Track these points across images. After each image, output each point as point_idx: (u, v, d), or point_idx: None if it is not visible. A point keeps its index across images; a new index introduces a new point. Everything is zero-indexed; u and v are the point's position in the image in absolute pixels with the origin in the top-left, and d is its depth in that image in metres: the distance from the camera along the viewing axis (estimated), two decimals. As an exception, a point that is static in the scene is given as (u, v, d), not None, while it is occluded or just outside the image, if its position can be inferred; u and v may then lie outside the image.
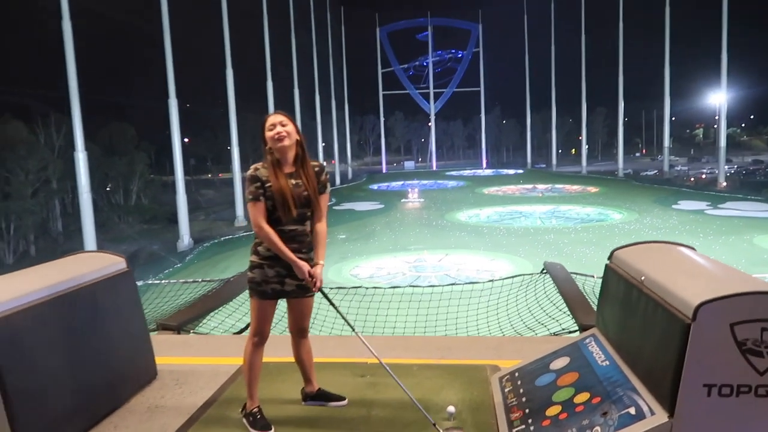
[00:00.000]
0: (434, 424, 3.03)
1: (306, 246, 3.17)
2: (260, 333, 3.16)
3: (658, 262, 2.98)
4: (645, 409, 2.48)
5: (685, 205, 32.63)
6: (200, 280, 6.99)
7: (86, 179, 26.41)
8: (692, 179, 45.48)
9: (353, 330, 3.27)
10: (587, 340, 3.42)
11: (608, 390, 2.79)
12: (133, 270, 3.96)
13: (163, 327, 5.19)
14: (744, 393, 2.29)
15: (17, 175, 32.44)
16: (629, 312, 2.94)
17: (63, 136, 34.37)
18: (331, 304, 3.32)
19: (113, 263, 3.86)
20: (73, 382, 3.22)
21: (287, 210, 3.02)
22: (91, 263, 3.76)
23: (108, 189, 40.02)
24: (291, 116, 3.10)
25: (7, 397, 2.78)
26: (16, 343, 2.91)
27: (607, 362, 3.05)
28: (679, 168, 54.34)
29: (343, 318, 3.33)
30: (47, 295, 3.22)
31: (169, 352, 4.55)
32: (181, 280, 7.26)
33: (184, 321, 5.32)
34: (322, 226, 3.21)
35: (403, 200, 36.84)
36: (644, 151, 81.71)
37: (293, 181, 3.08)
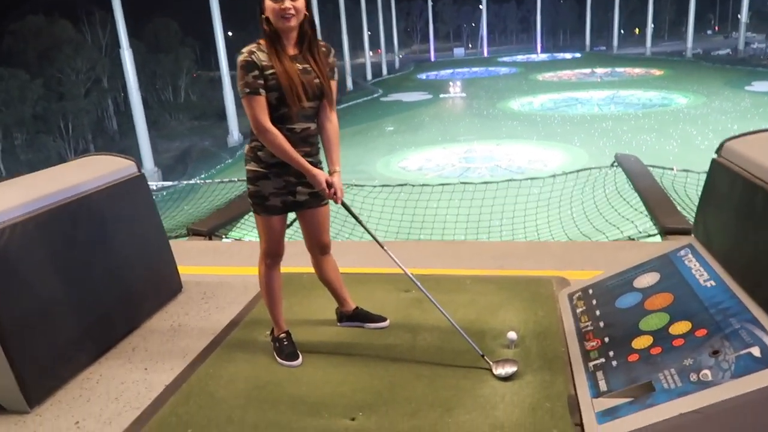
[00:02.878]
0: (483, 356, 2.54)
1: (316, 148, 2.59)
2: (274, 253, 2.66)
3: (796, 156, 2.26)
4: (776, 351, 1.89)
5: (760, 86, 30.21)
6: (236, 180, 6.56)
7: (134, 77, 26.36)
8: (770, 58, 41.55)
9: (380, 245, 2.72)
10: (682, 252, 2.78)
11: (717, 320, 2.19)
12: (144, 174, 3.50)
13: (193, 233, 4.83)
14: None
15: (68, 75, 32.69)
16: (750, 221, 2.26)
17: (108, 34, 34.13)
18: (355, 217, 2.77)
19: (123, 167, 3.39)
20: (81, 304, 2.86)
21: (297, 102, 2.41)
22: (96, 168, 3.30)
23: (157, 87, 40.07)
24: None
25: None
26: (7, 264, 2.52)
27: (713, 282, 2.43)
28: (755, 46, 49.50)
29: (368, 232, 2.79)
30: (44, 206, 2.79)
31: (198, 261, 4.19)
32: (217, 180, 6.86)
33: (215, 226, 4.93)
34: (334, 122, 2.59)
35: (442, 95, 35.28)
36: (717, 28, 74.78)
37: (299, 66, 2.43)
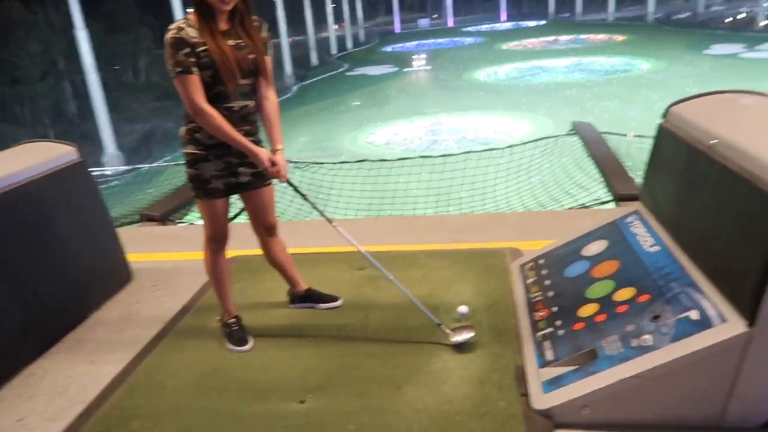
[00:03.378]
0: (439, 325, 2.56)
1: (256, 127, 2.51)
2: (219, 237, 2.60)
3: (734, 120, 2.27)
4: (712, 314, 1.91)
5: (719, 49, 30.63)
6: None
7: (90, 58, 25.46)
8: (728, 20, 42.11)
9: (329, 221, 2.68)
10: (629, 219, 2.80)
11: (659, 285, 2.21)
12: (86, 160, 3.36)
13: (146, 218, 4.71)
14: None
15: (22, 58, 31.41)
16: (694, 186, 2.27)
17: (62, 14, 32.85)
18: (301, 195, 2.71)
19: (62, 154, 3.25)
20: (22, 297, 2.76)
21: (233, 80, 2.32)
22: (34, 156, 3.16)
23: (116, 68, 38.86)
24: None
25: (-71, 325, 2.33)
26: (-65, 260, 2.41)
27: (657, 248, 2.45)
28: (714, 8, 50.16)
29: (316, 208, 2.72)
30: (-25, 198, 2.67)
31: (150, 248, 4.09)
32: (173, 163, 6.70)
33: (169, 210, 4.82)
34: (273, 99, 2.51)
35: (407, 68, 35.04)
36: (677, -9, 75.42)
37: (232, 42, 2.34)
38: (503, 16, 66.16)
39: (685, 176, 2.35)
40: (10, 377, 2.62)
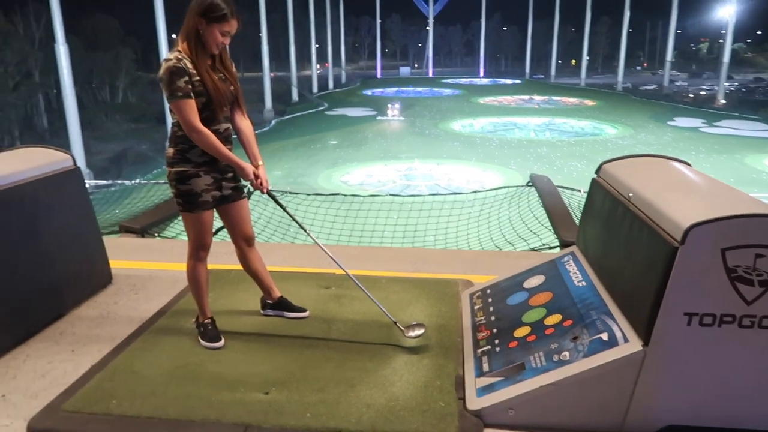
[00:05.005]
0: (395, 322, 2.95)
1: (232, 147, 2.90)
2: (204, 246, 2.90)
3: (649, 178, 2.71)
4: (618, 335, 2.29)
5: (681, 122, 32.21)
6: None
7: (69, 73, 25.44)
8: (691, 95, 44.54)
9: (308, 233, 3.04)
10: (565, 259, 3.21)
11: (582, 313, 2.59)
12: (79, 168, 3.65)
13: (125, 230, 4.95)
14: (727, 323, 2.09)
15: (-4, 66, 31.21)
16: (613, 230, 2.69)
17: (43, 27, 32.94)
18: (282, 207, 3.06)
19: (58, 160, 3.53)
20: (6, 288, 2.97)
21: (223, 107, 2.75)
22: (31, 159, 3.43)
23: (93, 85, 38.79)
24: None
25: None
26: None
27: (584, 283, 2.84)
28: (679, 83, 53.07)
29: (296, 221, 3.08)
30: (-23, 194, 2.92)
31: (129, 256, 4.34)
32: (152, 182, 6.95)
33: (148, 224, 5.07)
34: (249, 123, 2.95)
35: (386, 112, 35.98)
36: (645, 64, 79.50)
37: (216, 75, 2.76)
38: (482, 71, 68.55)
39: (608, 222, 2.77)
40: (-7, 359, 2.84)
